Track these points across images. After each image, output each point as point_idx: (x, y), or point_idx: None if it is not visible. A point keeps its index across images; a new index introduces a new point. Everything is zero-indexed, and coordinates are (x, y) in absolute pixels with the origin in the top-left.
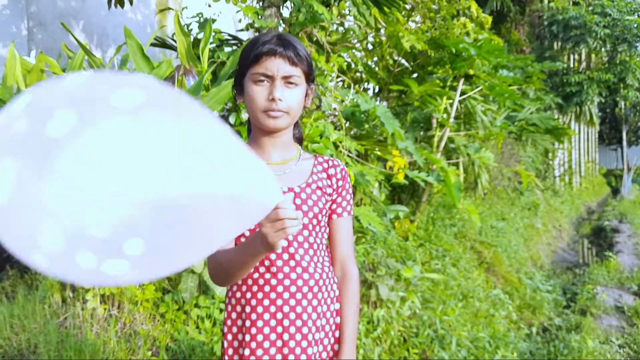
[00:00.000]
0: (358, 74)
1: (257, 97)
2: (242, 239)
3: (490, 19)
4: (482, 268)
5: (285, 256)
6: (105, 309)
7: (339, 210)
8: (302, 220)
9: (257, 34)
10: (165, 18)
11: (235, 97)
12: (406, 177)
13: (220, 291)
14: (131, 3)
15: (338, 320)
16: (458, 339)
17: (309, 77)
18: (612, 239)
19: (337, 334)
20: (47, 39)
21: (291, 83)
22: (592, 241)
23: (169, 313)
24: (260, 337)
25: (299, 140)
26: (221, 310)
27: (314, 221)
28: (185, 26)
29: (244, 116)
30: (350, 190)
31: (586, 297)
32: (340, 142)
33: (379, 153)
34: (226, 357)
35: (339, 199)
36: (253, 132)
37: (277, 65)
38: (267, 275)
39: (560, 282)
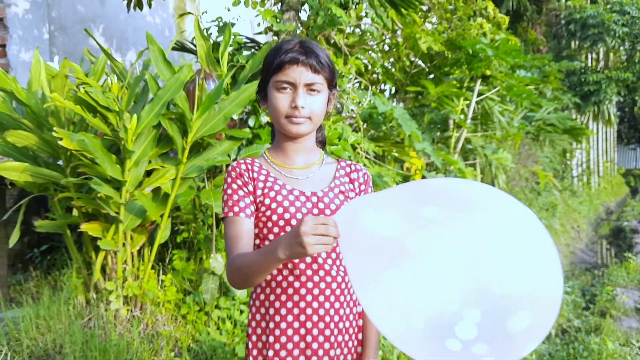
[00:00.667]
0: (375, 76)
1: (280, 104)
2: (266, 242)
3: (507, 19)
4: None
5: (308, 259)
6: (128, 310)
7: None
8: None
9: (275, 37)
10: (184, 22)
11: (259, 102)
12: (423, 178)
13: (240, 293)
14: (150, 5)
15: (361, 322)
16: None
17: (331, 83)
18: (632, 239)
19: (360, 336)
20: (67, 43)
21: (313, 90)
22: (611, 242)
23: (190, 314)
24: (283, 339)
25: (322, 143)
26: (241, 312)
27: None
28: (205, 30)
29: (264, 119)
30: None
31: (605, 299)
32: (359, 144)
33: (396, 154)
34: (250, 358)
35: None
36: (277, 137)
37: (299, 74)
38: (290, 278)
39: (579, 284)
